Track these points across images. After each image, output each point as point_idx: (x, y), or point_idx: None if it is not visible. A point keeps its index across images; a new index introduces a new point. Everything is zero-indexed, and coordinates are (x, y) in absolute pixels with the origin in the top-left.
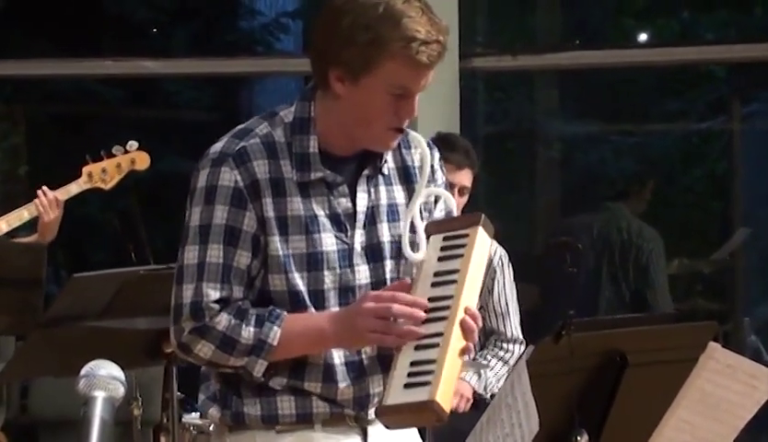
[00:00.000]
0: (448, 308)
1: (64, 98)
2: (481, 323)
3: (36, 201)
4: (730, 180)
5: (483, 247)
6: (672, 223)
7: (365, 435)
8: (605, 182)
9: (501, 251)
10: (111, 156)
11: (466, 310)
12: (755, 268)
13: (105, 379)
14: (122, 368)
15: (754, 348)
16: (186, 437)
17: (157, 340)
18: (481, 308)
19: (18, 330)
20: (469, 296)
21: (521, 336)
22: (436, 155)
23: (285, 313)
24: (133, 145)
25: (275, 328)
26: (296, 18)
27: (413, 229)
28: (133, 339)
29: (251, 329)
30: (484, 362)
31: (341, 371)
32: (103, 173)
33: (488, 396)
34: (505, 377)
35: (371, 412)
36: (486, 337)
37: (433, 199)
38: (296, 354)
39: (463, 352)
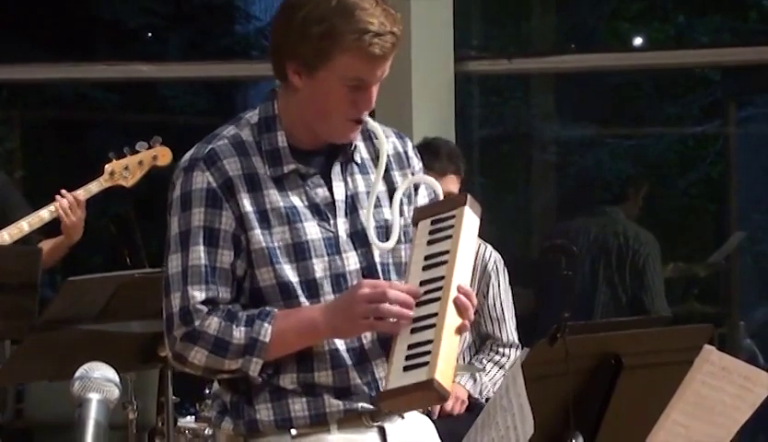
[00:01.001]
0: (441, 288)
1: (59, 102)
2: (476, 301)
3: (55, 204)
4: (726, 184)
5: (472, 226)
6: (668, 226)
7: (383, 434)
8: (601, 186)
9: (496, 256)
10: (135, 152)
11: (459, 288)
12: (750, 271)
13: (99, 381)
14: (118, 372)
15: (749, 351)
16: (181, 441)
17: (151, 343)
18: (476, 313)
19: (13, 334)
20: (460, 275)
21: (517, 340)
22: (409, 143)
23: (276, 310)
24: (157, 140)
25: (266, 325)
26: (272, 23)
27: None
28: (129, 342)
29: (242, 328)
30: (480, 366)
31: (346, 356)
32: (125, 170)
33: (483, 400)
34: (500, 381)
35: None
36: (482, 341)
37: (413, 187)
38: (291, 349)
39: (459, 330)
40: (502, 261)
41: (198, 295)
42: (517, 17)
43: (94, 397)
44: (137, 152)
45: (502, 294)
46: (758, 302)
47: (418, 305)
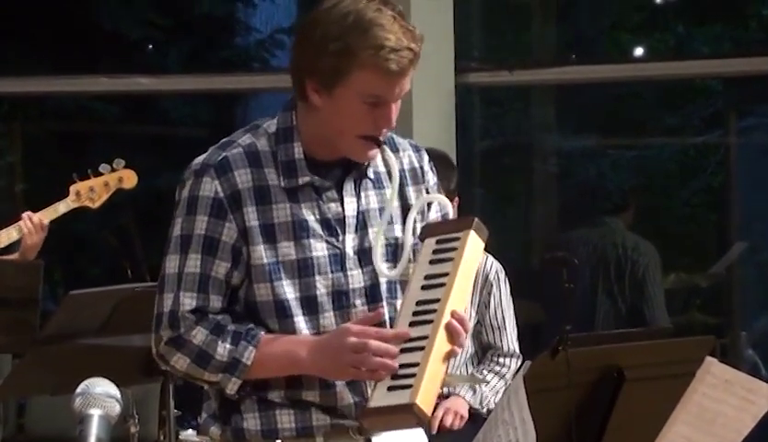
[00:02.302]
0: (434, 311)
1: (60, 115)
2: (469, 327)
3: (21, 223)
4: (727, 194)
5: (474, 251)
6: (669, 236)
7: None
8: (602, 197)
9: (497, 266)
10: (99, 174)
11: (452, 314)
12: (752, 282)
13: (101, 397)
14: (119, 386)
15: (751, 362)
16: None
17: (152, 357)
18: (477, 323)
19: (15, 348)
20: (456, 300)
21: (518, 350)
22: (425, 156)
23: (263, 333)
24: (119, 162)
25: (251, 347)
26: (292, 35)
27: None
28: (130, 356)
29: (227, 346)
30: (480, 376)
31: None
32: (91, 192)
33: (484, 411)
34: (501, 391)
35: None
36: (483, 351)
37: (426, 205)
38: (271, 375)
39: (448, 355)
40: (503, 271)
41: (189, 302)
42: (518, 29)
43: (95, 413)
44: (101, 174)
45: (503, 303)
46: (760, 312)
47: (411, 325)
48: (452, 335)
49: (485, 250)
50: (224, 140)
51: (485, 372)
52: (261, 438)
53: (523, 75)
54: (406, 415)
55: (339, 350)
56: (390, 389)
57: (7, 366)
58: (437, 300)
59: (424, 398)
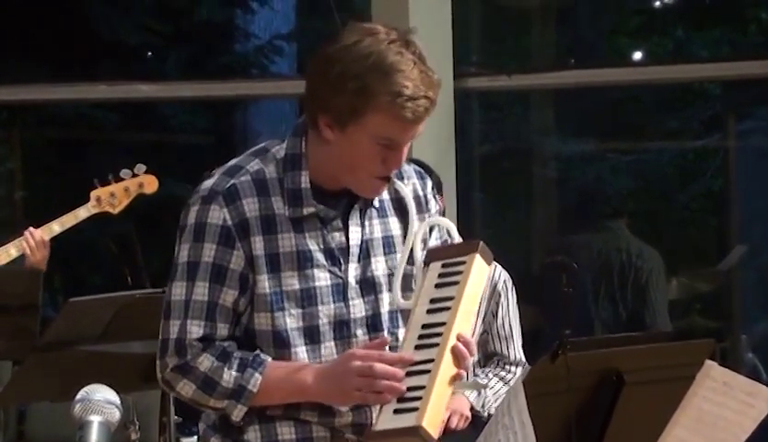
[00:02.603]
0: (440, 334)
1: (59, 122)
2: (474, 351)
3: (23, 242)
4: (726, 197)
5: (480, 274)
6: (669, 240)
7: None
8: (601, 201)
9: (505, 275)
10: (120, 179)
11: (458, 337)
12: (752, 285)
13: (100, 404)
14: (119, 392)
15: (752, 365)
16: None
17: (153, 364)
18: (484, 332)
19: (15, 354)
20: (462, 323)
21: (524, 359)
22: (428, 183)
23: (269, 360)
24: (141, 168)
25: (257, 374)
26: (291, 41)
27: (393, 263)
28: (130, 363)
29: (233, 373)
30: (484, 380)
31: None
32: (111, 197)
33: (485, 414)
34: (503, 396)
35: None
36: (487, 360)
37: (428, 229)
38: (277, 402)
39: (454, 379)
40: (510, 280)
41: (196, 331)
42: (517, 34)
43: (95, 419)
44: (122, 179)
45: (511, 313)
46: (760, 316)
47: (417, 348)
48: (458, 359)
49: None
50: (231, 164)
51: (490, 375)
52: None
53: (522, 80)
54: (412, 438)
55: (344, 374)
56: (397, 411)
57: (7, 373)
58: (443, 324)
59: (431, 421)
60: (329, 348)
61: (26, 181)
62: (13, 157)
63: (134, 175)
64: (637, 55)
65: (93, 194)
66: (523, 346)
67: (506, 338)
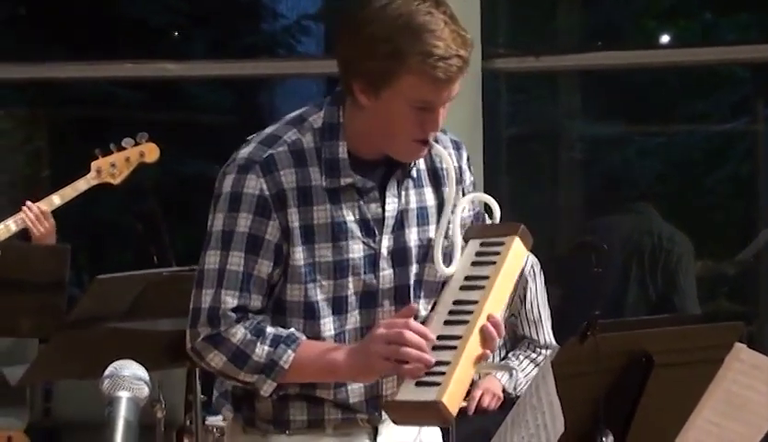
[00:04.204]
0: (471, 312)
1: (85, 101)
2: (503, 332)
3: (22, 216)
4: (754, 182)
5: (517, 257)
6: (696, 224)
7: (375, 432)
8: (628, 184)
9: (533, 259)
10: (121, 149)
11: (489, 318)
12: None
13: (129, 380)
14: (146, 370)
15: None
16: (209, 439)
17: (179, 341)
18: (512, 316)
19: (41, 332)
20: (493, 304)
21: (554, 342)
22: (464, 154)
23: (303, 338)
24: (143, 136)
25: (289, 351)
26: (318, 21)
27: (427, 239)
28: (156, 340)
29: (266, 347)
30: (515, 361)
31: None
32: (112, 167)
33: (515, 396)
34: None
35: (384, 413)
36: (514, 343)
37: (470, 203)
38: (307, 380)
39: (479, 358)
40: (538, 264)
41: (230, 301)
42: (544, 15)
43: (124, 395)
44: (123, 148)
45: (539, 296)
46: None
47: (447, 323)
48: (486, 339)
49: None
50: (268, 132)
51: (521, 357)
52: (273, 427)
53: (549, 61)
54: (431, 413)
55: (371, 343)
56: (419, 384)
57: (34, 351)
58: (475, 302)
59: (451, 398)
60: (354, 316)
61: (52, 160)
62: (39, 136)
63: (137, 143)
64: (665, 38)
65: (93, 165)
66: (552, 328)
67: (535, 322)
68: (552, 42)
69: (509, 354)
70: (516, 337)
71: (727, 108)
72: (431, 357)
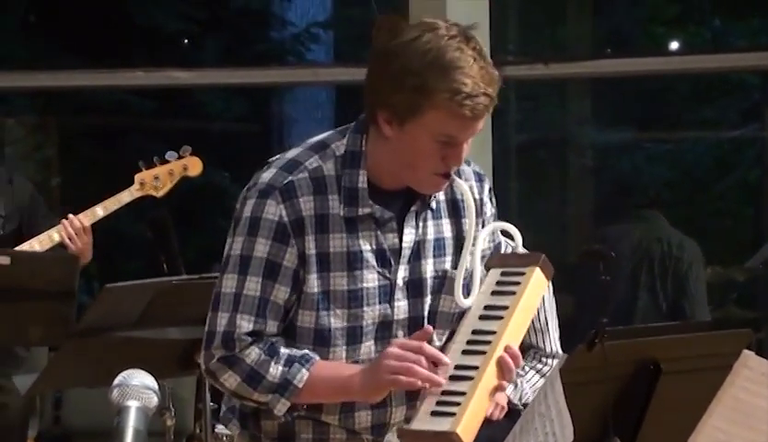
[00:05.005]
0: (489, 343)
1: (96, 109)
2: (521, 364)
3: (62, 230)
4: (763, 188)
5: (538, 288)
6: (705, 231)
7: None
8: (638, 191)
9: None
10: (165, 162)
11: (506, 349)
12: None
13: (138, 389)
14: (156, 378)
15: None
16: None
17: (189, 350)
18: None
19: (51, 340)
20: (512, 335)
21: (561, 351)
22: (486, 186)
23: (317, 358)
24: (186, 149)
25: (303, 370)
26: (327, 29)
27: (443, 271)
28: (166, 349)
29: (280, 367)
30: (521, 373)
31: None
32: (155, 180)
33: (522, 407)
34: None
35: (387, 438)
36: (524, 352)
37: (490, 234)
38: (320, 400)
39: (496, 389)
40: None
41: (245, 325)
42: (554, 22)
43: (133, 404)
44: (167, 161)
45: (546, 305)
46: None
47: (464, 353)
48: (503, 371)
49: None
50: (290, 158)
51: (527, 368)
52: None
53: (559, 69)
54: None
55: (380, 360)
56: (434, 414)
57: (44, 360)
58: (493, 332)
59: (466, 429)
60: (368, 346)
61: (63, 168)
62: (49, 144)
63: (180, 157)
64: (674, 45)
65: (137, 177)
66: (560, 335)
67: (542, 331)
68: (561, 50)
69: None
70: (522, 346)
71: (737, 114)
72: (441, 379)
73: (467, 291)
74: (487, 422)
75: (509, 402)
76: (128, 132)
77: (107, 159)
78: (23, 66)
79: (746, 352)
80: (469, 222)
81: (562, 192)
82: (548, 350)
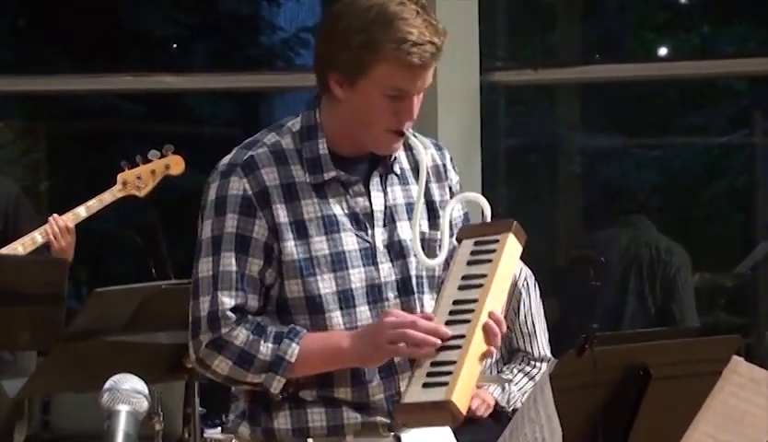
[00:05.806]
0: (472, 311)
1: (85, 113)
2: (505, 328)
3: (47, 227)
4: (752, 194)
5: (513, 253)
6: (693, 236)
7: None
8: (626, 196)
9: (527, 272)
10: (147, 161)
11: (490, 315)
12: None
13: (128, 393)
14: (145, 383)
15: None
16: None
17: (178, 354)
18: (507, 328)
19: (40, 345)
20: (494, 301)
21: (549, 354)
22: (447, 154)
23: (305, 331)
24: (169, 148)
25: (294, 344)
26: (316, 34)
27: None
28: (155, 353)
29: (270, 345)
30: (510, 376)
31: (370, 371)
32: (138, 180)
33: (510, 410)
34: (529, 391)
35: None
36: (511, 356)
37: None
38: (315, 371)
39: (484, 356)
40: (533, 277)
41: (227, 301)
42: (543, 28)
43: (123, 409)
44: (149, 161)
45: (533, 309)
46: None
47: (448, 323)
48: (489, 336)
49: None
50: (248, 140)
51: (515, 371)
52: (293, 437)
53: (548, 74)
54: (441, 412)
55: (376, 329)
56: (426, 385)
57: (32, 364)
58: (475, 300)
59: (460, 396)
60: (363, 312)
61: (51, 172)
62: (38, 148)
63: (163, 156)
64: (663, 51)
65: (120, 177)
66: (549, 340)
67: (530, 335)
68: (550, 55)
69: (504, 368)
70: (511, 350)
71: (725, 120)
72: (437, 340)
73: (435, 255)
74: (473, 421)
75: (496, 404)
76: (117, 136)
77: (96, 164)
78: (12, 70)
79: (735, 357)
80: (420, 178)
81: (551, 198)
82: (536, 354)
